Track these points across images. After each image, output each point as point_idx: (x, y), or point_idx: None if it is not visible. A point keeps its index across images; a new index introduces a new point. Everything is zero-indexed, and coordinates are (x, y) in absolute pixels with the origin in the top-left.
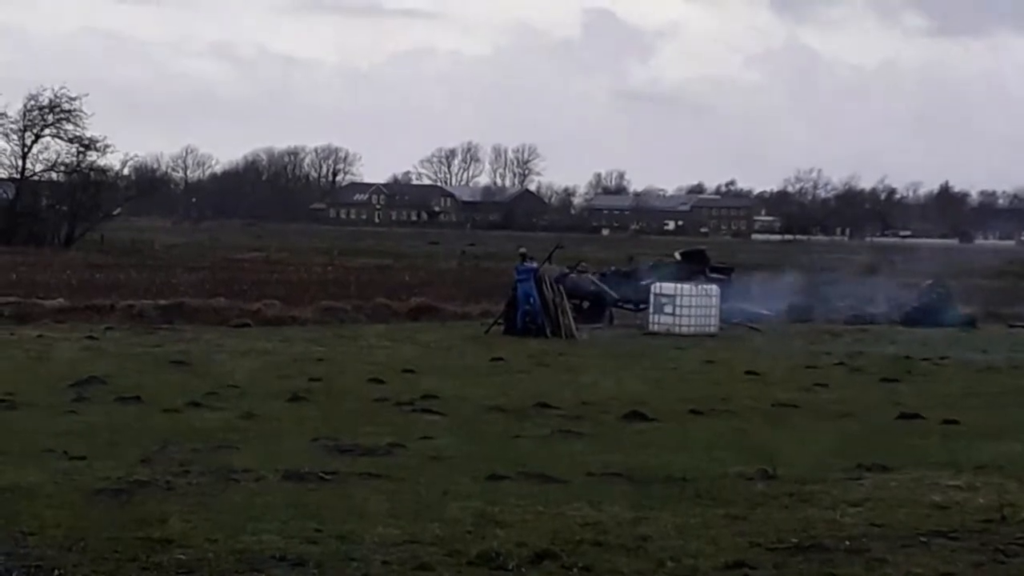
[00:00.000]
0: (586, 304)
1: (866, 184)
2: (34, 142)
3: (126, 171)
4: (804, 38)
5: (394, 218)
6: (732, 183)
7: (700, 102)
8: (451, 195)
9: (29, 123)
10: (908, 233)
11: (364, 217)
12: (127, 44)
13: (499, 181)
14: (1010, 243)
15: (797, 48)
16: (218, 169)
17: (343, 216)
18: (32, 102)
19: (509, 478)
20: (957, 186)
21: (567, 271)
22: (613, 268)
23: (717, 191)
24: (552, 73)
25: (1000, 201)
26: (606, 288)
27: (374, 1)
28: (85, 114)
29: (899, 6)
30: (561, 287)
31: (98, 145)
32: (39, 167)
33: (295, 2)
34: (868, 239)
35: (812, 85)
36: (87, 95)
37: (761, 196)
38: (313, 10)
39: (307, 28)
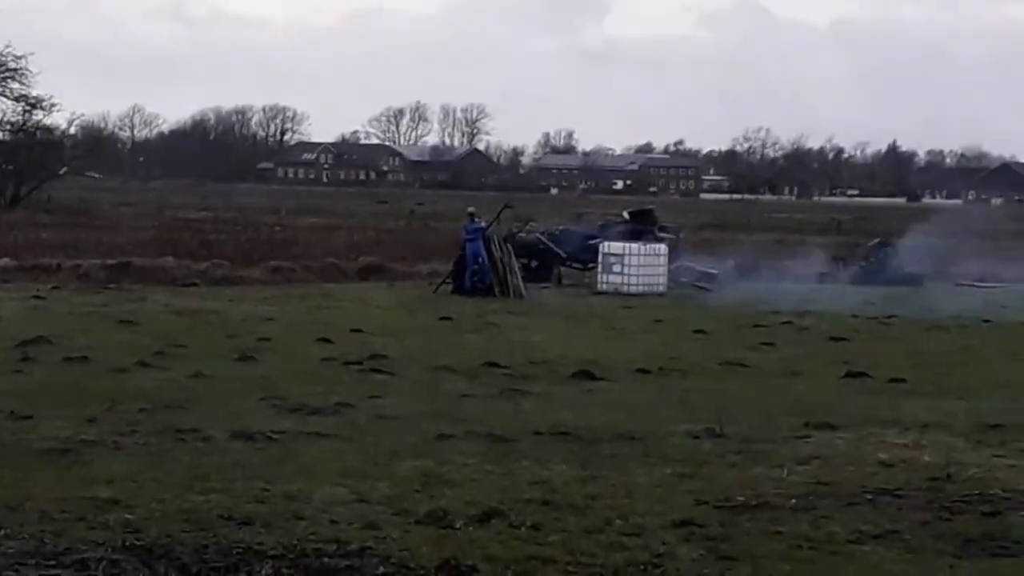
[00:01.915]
0: (534, 263)
1: (814, 144)
2: None
3: (73, 130)
4: None
5: (342, 178)
6: (680, 142)
7: (649, 61)
8: (399, 155)
9: None
10: (856, 192)
11: (312, 177)
12: (75, 2)
13: (447, 141)
14: (957, 202)
15: (748, 6)
16: (165, 128)
17: (291, 176)
18: None
19: (457, 437)
20: (904, 145)
21: (515, 231)
22: (561, 228)
23: (666, 150)
24: (501, 31)
25: (947, 160)
26: (554, 247)
27: None
28: (31, 72)
29: None
30: (509, 246)
31: (44, 104)
32: None
33: None
34: (816, 198)
35: (762, 44)
36: (33, 54)
37: (709, 155)
38: None
39: None
